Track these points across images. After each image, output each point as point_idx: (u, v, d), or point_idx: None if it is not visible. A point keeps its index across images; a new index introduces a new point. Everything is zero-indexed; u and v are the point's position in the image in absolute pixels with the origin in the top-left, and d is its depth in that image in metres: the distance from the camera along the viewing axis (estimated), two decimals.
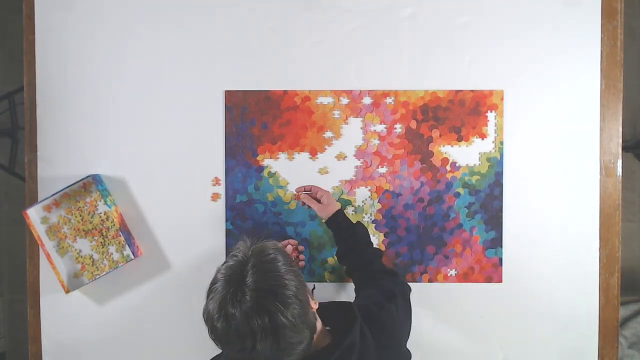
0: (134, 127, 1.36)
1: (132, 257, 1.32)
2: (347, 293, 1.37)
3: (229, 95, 1.37)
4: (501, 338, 1.37)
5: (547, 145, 1.36)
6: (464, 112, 1.36)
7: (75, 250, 1.35)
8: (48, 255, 1.30)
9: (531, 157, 1.36)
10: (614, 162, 1.37)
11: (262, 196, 1.37)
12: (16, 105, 2.16)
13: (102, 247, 1.35)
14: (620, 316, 1.39)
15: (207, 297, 0.87)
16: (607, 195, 1.37)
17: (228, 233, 1.37)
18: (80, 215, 1.34)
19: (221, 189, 1.36)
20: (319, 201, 1.30)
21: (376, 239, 1.37)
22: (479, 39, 1.36)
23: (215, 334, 0.85)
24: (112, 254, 1.35)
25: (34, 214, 1.32)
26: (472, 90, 1.36)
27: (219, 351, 0.99)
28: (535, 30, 1.36)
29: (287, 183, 1.37)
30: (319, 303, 0.97)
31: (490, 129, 1.37)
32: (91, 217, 1.34)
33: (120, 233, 1.33)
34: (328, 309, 1.00)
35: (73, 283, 1.33)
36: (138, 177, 1.37)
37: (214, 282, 0.88)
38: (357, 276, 1.23)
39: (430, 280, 1.37)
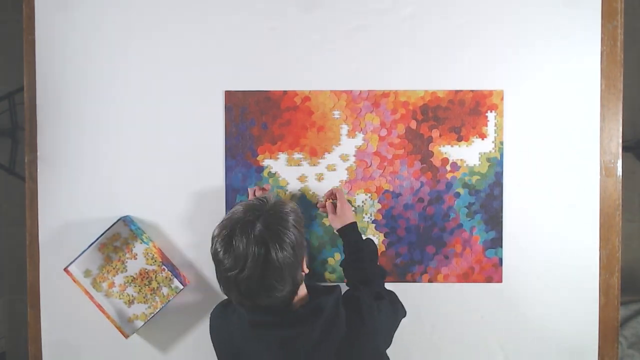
0: (134, 126, 1.36)
1: (181, 286, 1.31)
2: None
3: (229, 95, 1.37)
4: (501, 338, 1.37)
5: (547, 145, 1.36)
6: (464, 112, 1.36)
7: (125, 294, 1.34)
8: (100, 306, 1.29)
9: (531, 157, 1.36)
10: (614, 162, 1.37)
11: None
12: (16, 105, 2.16)
13: (150, 285, 1.34)
14: (620, 316, 1.39)
15: (223, 220, 0.99)
16: (607, 195, 1.37)
17: None
18: (121, 260, 1.34)
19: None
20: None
21: (376, 239, 1.37)
22: (479, 39, 1.36)
23: (216, 251, 0.96)
24: (160, 289, 1.34)
25: (75, 270, 1.31)
26: (472, 90, 1.36)
27: None
28: (535, 30, 1.36)
29: (287, 183, 1.37)
30: (311, 285, 1.09)
31: (490, 129, 1.37)
32: (132, 259, 1.34)
33: (164, 267, 1.32)
34: (317, 289, 1.10)
35: (129, 327, 1.33)
36: (138, 176, 1.37)
37: (233, 211, 0.99)
38: (355, 287, 1.23)
39: (430, 280, 1.37)
